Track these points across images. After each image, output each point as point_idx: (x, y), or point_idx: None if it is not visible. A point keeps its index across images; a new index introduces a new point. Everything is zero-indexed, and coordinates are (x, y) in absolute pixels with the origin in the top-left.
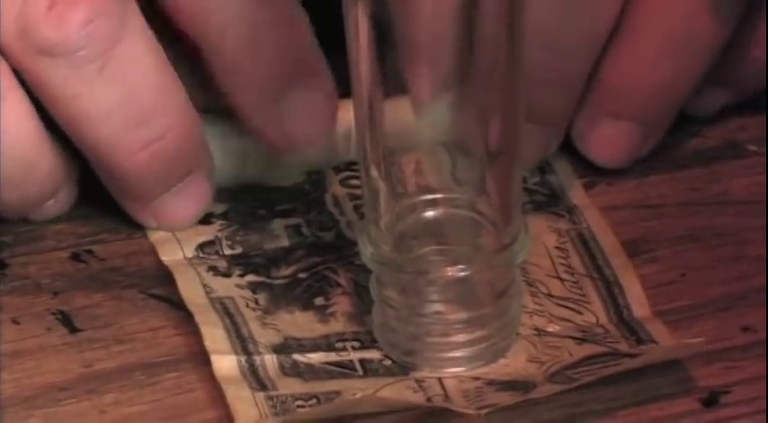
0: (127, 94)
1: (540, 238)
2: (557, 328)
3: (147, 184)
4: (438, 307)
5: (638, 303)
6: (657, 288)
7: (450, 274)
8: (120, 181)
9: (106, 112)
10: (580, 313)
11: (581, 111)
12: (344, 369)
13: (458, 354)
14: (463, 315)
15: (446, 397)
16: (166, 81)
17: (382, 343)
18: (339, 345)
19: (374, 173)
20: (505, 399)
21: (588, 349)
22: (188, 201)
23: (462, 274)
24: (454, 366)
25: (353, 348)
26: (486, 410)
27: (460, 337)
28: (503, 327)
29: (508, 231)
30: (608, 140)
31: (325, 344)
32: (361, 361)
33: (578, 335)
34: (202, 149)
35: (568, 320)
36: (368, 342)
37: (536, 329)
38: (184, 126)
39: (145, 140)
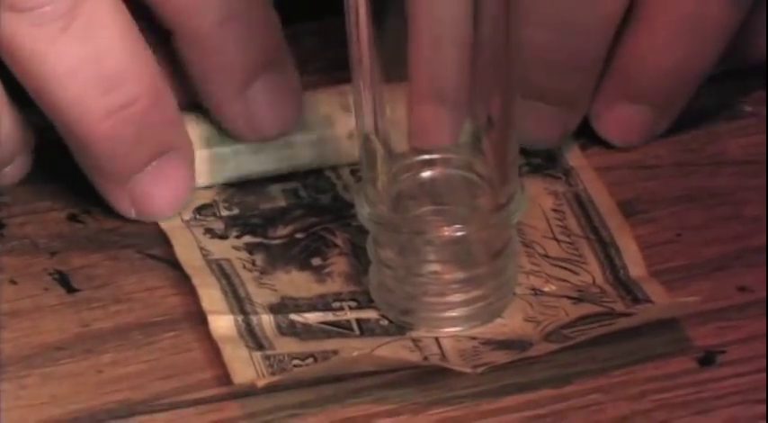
0: (92, 55)
1: (537, 201)
2: (553, 288)
3: (116, 157)
4: (435, 267)
5: (634, 264)
6: (653, 248)
7: (446, 233)
8: (89, 152)
9: (70, 71)
10: (576, 273)
11: (597, 93)
12: (341, 329)
13: (454, 313)
14: (460, 275)
15: (443, 356)
16: (134, 45)
17: (379, 303)
18: (336, 305)
19: (371, 133)
20: (501, 357)
21: (584, 309)
22: (165, 185)
23: (459, 233)
24: (451, 326)
25: (350, 308)
26: (481, 369)
27: (457, 297)
28: (499, 287)
29: (504, 191)
30: (623, 123)
31: (322, 304)
32: (358, 321)
33: (575, 295)
34: (178, 128)
35: (565, 281)
36: (365, 302)
37: (532, 289)
38: (155, 95)
39: (112, 106)
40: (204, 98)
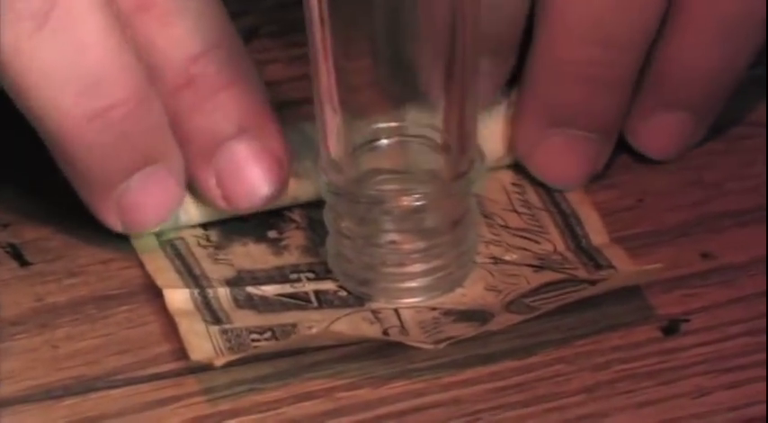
0: (68, 54)
1: (496, 175)
2: (514, 256)
3: (97, 164)
4: (393, 236)
5: (595, 232)
6: (615, 214)
7: (405, 203)
8: (68, 158)
9: (45, 71)
10: (537, 242)
11: (632, 107)
12: (299, 301)
13: (414, 284)
14: (419, 244)
15: (402, 328)
16: (116, 45)
17: (337, 273)
18: (293, 276)
19: (328, 101)
20: (463, 331)
21: (546, 276)
22: (152, 198)
23: (418, 203)
24: (410, 297)
25: (308, 279)
26: (443, 344)
27: (416, 267)
28: (459, 256)
29: (464, 159)
30: (662, 133)
31: (279, 275)
32: (316, 292)
33: (536, 263)
34: (165, 136)
35: (526, 249)
36: (322, 273)
37: (493, 258)
38: (139, 100)
39: (91, 109)
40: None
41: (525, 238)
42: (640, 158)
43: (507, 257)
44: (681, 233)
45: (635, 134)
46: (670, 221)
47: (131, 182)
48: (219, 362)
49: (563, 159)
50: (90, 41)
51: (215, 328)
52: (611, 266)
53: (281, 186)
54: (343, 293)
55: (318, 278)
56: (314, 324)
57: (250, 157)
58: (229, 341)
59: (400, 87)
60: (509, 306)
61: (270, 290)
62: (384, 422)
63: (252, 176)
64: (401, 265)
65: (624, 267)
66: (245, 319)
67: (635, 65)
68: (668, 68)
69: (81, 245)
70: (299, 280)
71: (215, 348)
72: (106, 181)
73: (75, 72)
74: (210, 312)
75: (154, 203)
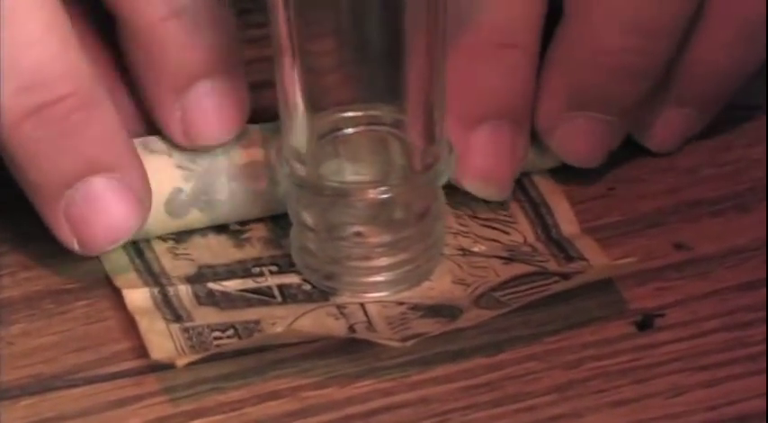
0: (10, 49)
1: None
2: (482, 248)
3: (37, 165)
4: (358, 229)
5: (566, 222)
6: (585, 203)
7: (371, 195)
8: (9, 157)
9: None
10: (507, 233)
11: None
12: (262, 296)
13: (380, 278)
14: (385, 237)
15: (369, 324)
16: (62, 41)
17: (301, 267)
18: (256, 270)
19: (290, 87)
20: (431, 327)
21: (515, 269)
22: (103, 210)
23: (384, 196)
24: (376, 291)
25: (271, 273)
26: (411, 342)
27: (382, 261)
28: (426, 249)
29: (431, 151)
30: (667, 127)
31: (241, 270)
32: (280, 287)
33: (505, 254)
34: (118, 145)
35: (495, 240)
36: (286, 266)
37: (461, 250)
38: (84, 99)
39: (30, 105)
40: (143, 99)
41: (494, 228)
42: None
43: (476, 249)
44: (654, 222)
45: (638, 125)
46: (642, 210)
47: (77, 191)
48: (181, 362)
49: (583, 140)
50: (34, 36)
51: (176, 326)
52: (582, 258)
53: (239, 127)
54: (308, 287)
55: (282, 271)
56: (278, 320)
57: (220, 97)
58: (191, 339)
59: (366, 75)
60: (478, 301)
61: (231, 285)
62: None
63: (220, 117)
64: (366, 258)
65: (596, 259)
66: (206, 316)
67: (669, 55)
68: (686, 66)
69: (35, 237)
70: (261, 274)
71: (176, 347)
72: (49, 187)
73: (14, 68)
74: (171, 310)
75: (106, 219)
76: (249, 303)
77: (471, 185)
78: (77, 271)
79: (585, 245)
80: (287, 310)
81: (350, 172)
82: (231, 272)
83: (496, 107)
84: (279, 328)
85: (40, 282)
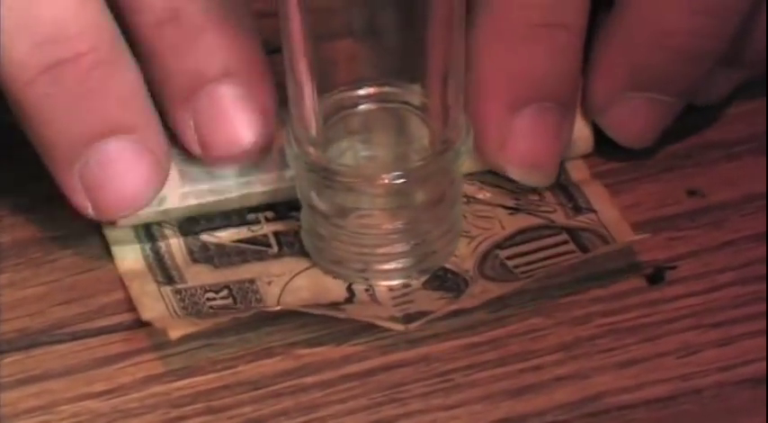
0: (26, 1)
1: None
2: (487, 195)
3: (51, 124)
4: (371, 214)
5: (575, 167)
6: (594, 146)
7: (385, 181)
8: (23, 115)
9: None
10: (512, 180)
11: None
12: (258, 246)
13: (393, 265)
14: (399, 223)
15: (369, 286)
16: None
17: (309, 249)
18: (251, 217)
19: (299, 63)
20: (434, 304)
21: (521, 221)
22: (120, 173)
23: (398, 181)
24: (389, 279)
25: (267, 220)
26: (415, 324)
27: (396, 247)
28: (442, 235)
29: (449, 131)
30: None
31: (237, 217)
32: (276, 234)
33: (510, 203)
34: (138, 106)
35: (500, 187)
36: (283, 211)
37: (465, 197)
38: (102, 57)
39: (45, 60)
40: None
41: (499, 175)
42: None
43: (480, 196)
44: (665, 167)
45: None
46: (653, 154)
47: (93, 153)
48: (175, 334)
49: (638, 121)
50: None
51: (167, 289)
52: (590, 209)
53: (265, 138)
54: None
55: (279, 217)
56: (273, 279)
57: (233, 103)
58: (183, 301)
59: (379, 52)
60: (483, 265)
61: (226, 236)
62: (349, 382)
63: (233, 123)
64: (379, 245)
65: (605, 210)
66: (199, 276)
67: (732, 36)
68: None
69: (22, 180)
70: (257, 221)
71: (168, 308)
72: (64, 148)
73: (31, 21)
74: (163, 271)
75: (122, 182)
76: (244, 258)
77: (516, 172)
78: (66, 217)
79: (594, 192)
80: (282, 265)
81: (363, 153)
82: (227, 219)
83: (542, 89)
84: (275, 288)
85: (28, 228)
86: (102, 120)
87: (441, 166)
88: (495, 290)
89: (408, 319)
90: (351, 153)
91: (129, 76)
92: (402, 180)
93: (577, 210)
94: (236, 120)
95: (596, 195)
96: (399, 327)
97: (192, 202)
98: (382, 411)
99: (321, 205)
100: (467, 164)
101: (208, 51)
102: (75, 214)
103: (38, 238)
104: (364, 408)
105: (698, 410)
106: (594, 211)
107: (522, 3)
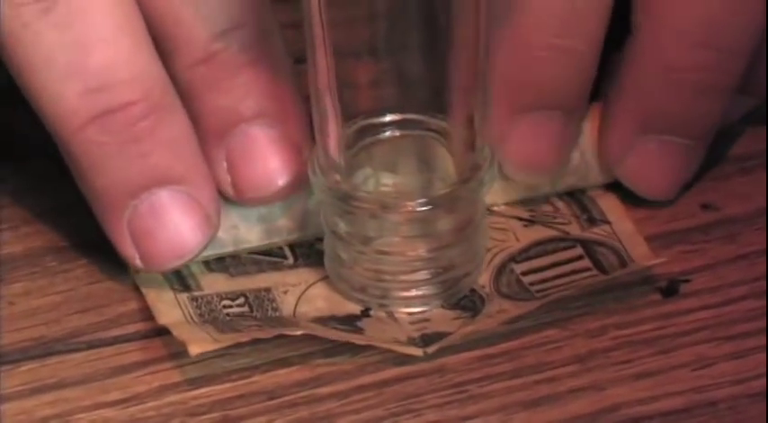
0: (74, 44)
1: None
2: (502, 207)
3: (101, 172)
4: (395, 242)
5: None
6: None
7: (409, 209)
8: (72, 160)
9: (45, 59)
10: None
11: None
12: (273, 258)
13: (416, 292)
14: (423, 251)
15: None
16: (133, 41)
17: (334, 277)
18: None
19: (324, 91)
20: (450, 325)
21: (536, 233)
22: (170, 227)
23: (423, 208)
24: (411, 306)
25: None
26: (432, 349)
27: (419, 275)
28: (466, 262)
29: (473, 158)
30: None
31: None
32: (291, 246)
33: (525, 215)
34: (188, 156)
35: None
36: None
37: None
38: (153, 104)
39: (96, 107)
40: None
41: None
42: None
43: (495, 208)
44: None
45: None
46: None
47: (141, 203)
48: (195, 350)
49: (655, 167)
50: (103, 35)
51: (184, 296)
52: (605, 221)
53: (298, 178)
54: (320, 246)
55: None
56: (289, 288)
57: (266, 144)
58: (200, 308)
59: (403, 80)
60: (498, 279)
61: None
62: (364, 393)
63: (267, 164)
64: (403, 272)
65: (619, 222)
66: (215, 284)
67: (742, 70)
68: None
69: (37, 189)
70: None
71: (184, 315)
72: (113, 196)
73: (82, 68)
74: (179, 279)
75: (170, 234)
76: (260, 268)
77: (516, 173)
78: (81, 226)
79: (609, 204)
80: (298, 275)
81: (386, 180)
82: None
83: (549, 98)
84: (291, 297)
85: (43, 237)
86: (152, 169)
87: (465, 195)
88: (512, 310)
89: (426, 340)
90: (374, 180)
91: (179, 126)
92: (426, 208)
93: (592, 221)
94: (270, 161)
95: (611, 207)
96: (418, 352)
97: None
98: (398, 422)
99: (344, 232)
100: (490, 195)
101: (243, 91)
102: (90, 224)
103: (52, 248)
104: (379, 418)
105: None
106: (609, 223)
107: (538, 18)
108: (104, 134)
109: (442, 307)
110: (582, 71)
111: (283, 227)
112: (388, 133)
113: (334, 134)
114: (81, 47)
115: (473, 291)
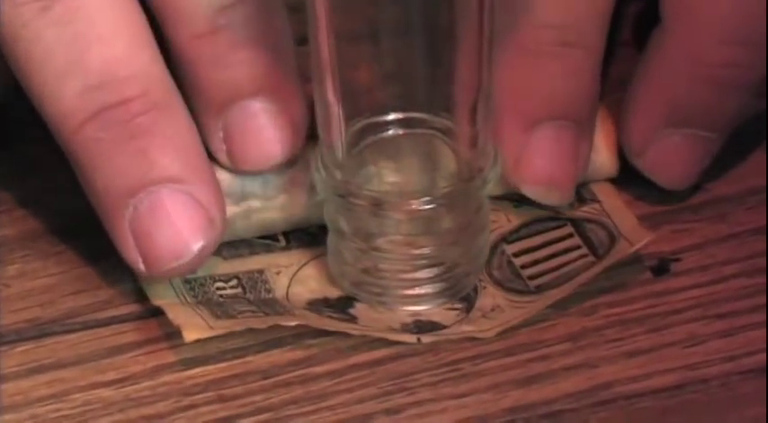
0: (73, 40)
1: None
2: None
3: (100, 169)
4: (397, 240)
5: None
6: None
7: (413, 207)
8: (72, 157)
9: (44, 55)
10: None
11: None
12: (266, 240)
13: (417, 291)
14: (425, 249)
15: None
16: (133, 38)
17: (337, 274)
18: None
19: (327, 89)
20: (444, 315)
21: (527, 213)
22: (170, 228)
23: (426, 207)
24: (413, 305)
25: None
26: (426, 339)
27: (421, 274)
28: (468, 261)
29: (477, 157)
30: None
31: None
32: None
33: (517, 196)
34: (189, 154)
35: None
36: None
37: None
38: (152, 102)
39: (95, 104)
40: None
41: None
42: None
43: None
44: None
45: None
46: None
47: (141, 202)
48: (190, 337)
49: (677, 159)
50: (101, 36)
51: (177, 278)
52: (595, 199)
53: (293, 153)
54: (313, 229)
55: None
56: (282, 269)
57: (265, 118)
58: (193, 290)
59: (407, 78)
60: (491, 261)
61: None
62: (357, 372)
63: (264, 139)
64: (405, 270)
65: (609, 201)
66: (209, 266)
67: (764, 66)
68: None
69: (30, 172)
70: None
71: (178, 296)
72: (112, 195)
73: (81, 66)
74: None
75: (171, 235)
76: (252, 250)
77: (532, 190)
78: (73, 209)
79: (599, 185)
80: (290, 257)
81: (390, 178)
82: None
83: (559, 108)
84: (283, 278)
85: (36, 220)
86: (151, 167)
87: (468, 193)
88: (505, 307)
89: (419, 328)
90: (378, 178)
91: (180, 123)
92: (429, 206)
93: (582, 200)
94: (267, 135)
95: (601, 187)
96: (412, 338)
97: None
98: (391, 400)
99: (347, 229)
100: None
101: (244, 66)
102: (83, 205)
103: (45, 230)
104: (373, 396)
105: (705, 399)
106: (599, 202)
107: (540, 22)
108: (103, 130)
109: (436, 290)
110: (587, 78)
111: (283, 228)
112: (391, 132)
113: (337, 132)
114: (80, 45)
115: (468, 275)
